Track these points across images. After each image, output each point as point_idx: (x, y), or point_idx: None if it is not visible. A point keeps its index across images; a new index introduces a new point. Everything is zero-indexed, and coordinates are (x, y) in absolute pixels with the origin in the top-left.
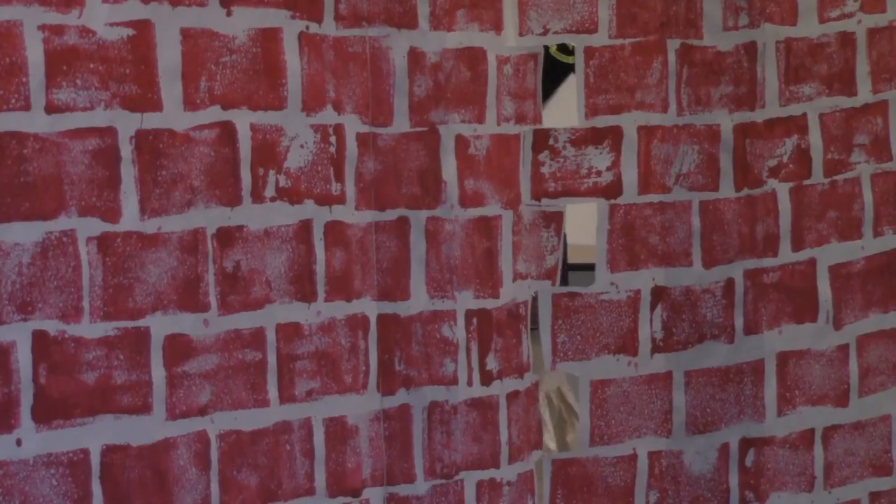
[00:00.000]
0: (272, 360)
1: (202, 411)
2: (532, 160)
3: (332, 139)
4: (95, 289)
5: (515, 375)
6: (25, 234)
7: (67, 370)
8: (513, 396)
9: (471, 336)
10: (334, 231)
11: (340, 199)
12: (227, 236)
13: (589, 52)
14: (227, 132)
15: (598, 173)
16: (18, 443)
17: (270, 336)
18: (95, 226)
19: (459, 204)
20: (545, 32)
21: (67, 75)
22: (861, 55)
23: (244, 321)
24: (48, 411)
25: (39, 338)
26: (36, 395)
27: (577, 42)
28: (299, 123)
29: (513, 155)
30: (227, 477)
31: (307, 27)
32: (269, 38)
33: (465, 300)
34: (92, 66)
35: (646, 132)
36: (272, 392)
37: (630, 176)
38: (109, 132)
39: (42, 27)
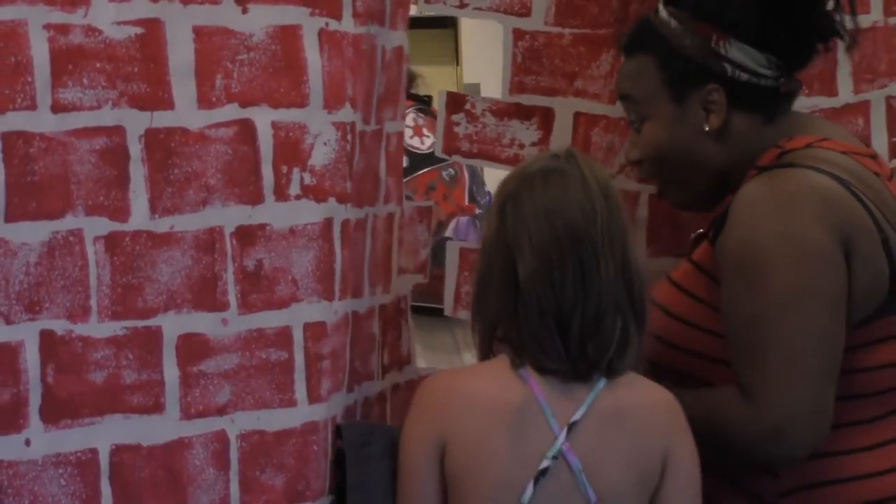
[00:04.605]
0: (300, 359)
1: (221, 411)
2: (445, 119)
3: (349, 137)
4: (103, 288)
5: (397, 369)
6: (32, 233)
7: (75, 370)
8: (395, 389)
9: (380, 331)
10: (346, 229)
11: (350, 198)
12: (247, 235)
13: (518, 33)
14: (245, 130)
15: (522, 146)
16: (27, 443)
17: (297, 335)
18: (103, 225)
19: (383, 201)
20: (462, 6)
21: (74, 74)
22: (843, 55)
23: (268, 320)
24: (56, 411)
25: (47, 337)
26: (44, 395)
27: (505, 23)
28: (322, 121)
29: (402, 150)
30: (248, 477)
31: (327, 24)
32: (288, 36)
33: (378, 296)
34: (99, 65)
35: (586, 119)
36: (300, 392)
37: None
38: (117, 131)
39: (47, 26)
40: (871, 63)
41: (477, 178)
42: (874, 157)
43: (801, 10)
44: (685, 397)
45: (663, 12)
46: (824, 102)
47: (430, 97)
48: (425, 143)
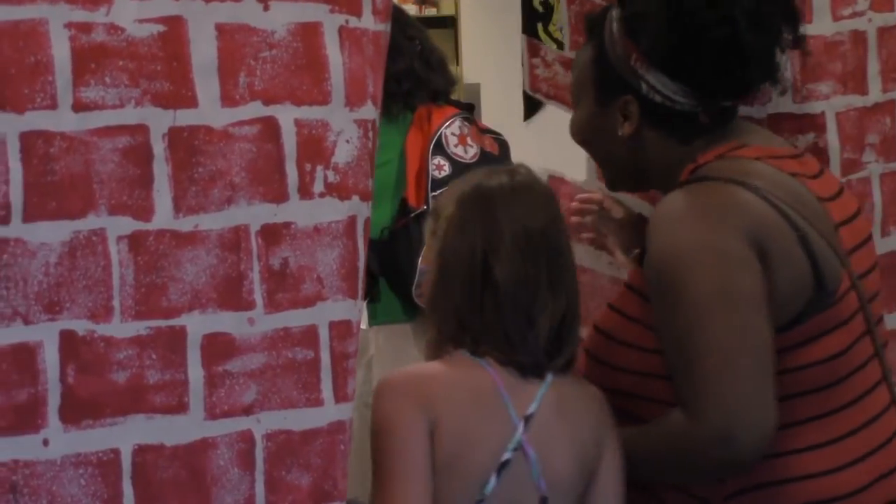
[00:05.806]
0: (326, 358)
1: (247, 411)
2: (528, 60)
3: (371, 134)
4: (127, 288)
5: None
6: (52, 233)
7: (97, 370)
8: None
9: None
10: (368, 227)
11: (372, 195)
12: (273, 233)
13: None
14: (269, 128)
15: None
16: (45, 443)
17: (323, 334)
18: (126, 224)
19: None
20: None
21: (96, 73)
22: (872, 54)
23: (294, 319)
24: (76, 411)
25: (67, 337)
26: (63, 395)
27: None
28: (344, 118)
29: None
30: (274, 477)
31: (346, 21)
32: (309, 33)
33: None
34: (121, 63)
35: None
36: (326, 391)
37: None
38: (140, 130)
39: (68, 25)
40: None
41: None
42: (796, 157)
43: (715, 50)
44: (631, 435)
45: (614, 12)
46: (857, 101)
47: (473, 105)
48: (469, 152)
